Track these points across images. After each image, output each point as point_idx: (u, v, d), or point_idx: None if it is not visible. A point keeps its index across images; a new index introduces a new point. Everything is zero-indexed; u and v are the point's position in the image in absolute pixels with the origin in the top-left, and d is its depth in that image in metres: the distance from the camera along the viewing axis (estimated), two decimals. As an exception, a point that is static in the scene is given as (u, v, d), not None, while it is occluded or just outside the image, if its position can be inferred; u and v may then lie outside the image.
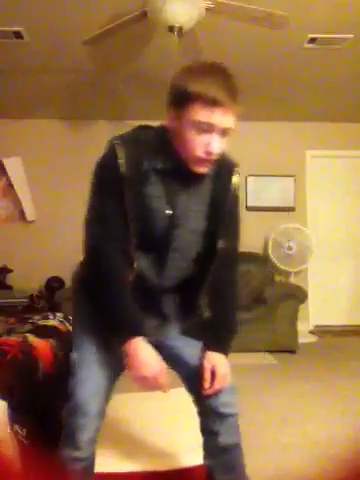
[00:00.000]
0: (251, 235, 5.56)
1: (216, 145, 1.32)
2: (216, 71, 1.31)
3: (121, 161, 1.34)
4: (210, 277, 1.50)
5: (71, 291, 1.66)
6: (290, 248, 5.29)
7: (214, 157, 1.35)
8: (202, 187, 1.46)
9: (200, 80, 1.28)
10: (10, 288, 5.17)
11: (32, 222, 5.52)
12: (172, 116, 1.34)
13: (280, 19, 3.09)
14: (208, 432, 1.53)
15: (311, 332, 5.44)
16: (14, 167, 5.45)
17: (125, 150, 1.35)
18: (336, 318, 5.76)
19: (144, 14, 3.06)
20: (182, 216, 1.42)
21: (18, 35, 3.57)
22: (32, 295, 4.99)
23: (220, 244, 1.47)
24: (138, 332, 1.34)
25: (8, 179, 5.47)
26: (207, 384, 1.44)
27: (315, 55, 3.98)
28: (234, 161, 1.56)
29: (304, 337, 5.01)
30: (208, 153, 1.32)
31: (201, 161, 1.34)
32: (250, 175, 5.61)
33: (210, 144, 1.31)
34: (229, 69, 1.34)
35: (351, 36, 3.62)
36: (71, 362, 1.48)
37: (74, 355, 1.48)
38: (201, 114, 1.27)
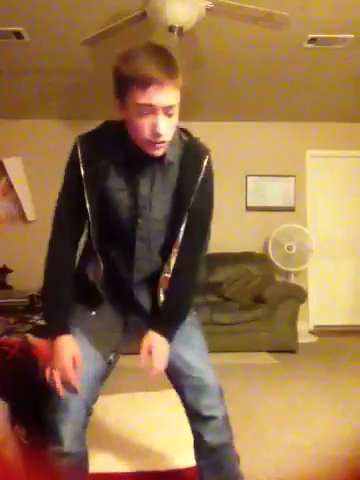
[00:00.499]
0: (251, 235, 5.57)
1: (162, 125, 1.30)
2: (148, 50, 1.29)
3: (80, 158, 1.41)
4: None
5: None
6: (290, 248, 5.29)
7: (164, 138, 1.33)
8: (168, 175, 1.44)
9: (132, 62, 1.26)
10: (10, 288, 5.17)
11: (32, 222, 5.52)
12: (117, 107, 1.34)
13: (280, 19, 3.09)
14: (195, 433, 1.53)
15: (311, 332, 5.45)
16: (14, 167, 5.45)
17: (85, 146, 1.42)
18: (336, 318, 5.76)
19: (144, 14, 3.06)
20: (146, 205, 1.42)
21: (18, 35, 3.57)
22: (32, 295, 4.99)
23: (182, 232, 1.44)
24: (63, 331, 1.41)
25: (8, 179, 5.47)
26: (141, 363, 1.41)
27: (315, 55, 3.98)
28: (205, 145, 1.51)
29: (304, 337, 5.01)
30: (155, 134, 1.30)
31: (152, 144, 1.33)
32: (250, 175, 5.61)
33: (156, 125, 1.29)
34: (164, 46, 1.32)
35: (351, 36, 3.62)
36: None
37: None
38: (139, 96, 1.25)
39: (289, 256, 5.30)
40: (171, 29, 3.00)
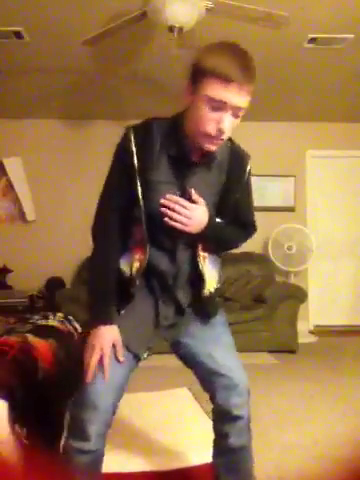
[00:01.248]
0: (251, 235, 5.56)
1: (227, 123, 1.33)
2: (234, 50, 1.34)
3: (133, 147, 1.40)
4: None
5: None
6: (290, 248, 5.29)
7: (224, 136, 1.36)
8: (213, 174, 1.49)
9: (217, 57, 1.31)
10: (10, 288, 5.17)
11: (32, 222, 5.52)
12: (188, 91, 1.37)
13: (280, 19, 3.09)
14: (219, 432, 1.54)
15: (311, 332, 5.45)
16: (14, 167, 5.44)
17: (138, 137, 1.41)
18: (336, 318, 5.76)
19: (144, 14, 3.06)
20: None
21: (18, 35, 3.57)
22: (32, 295, 4.99)
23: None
24: (107, 321, 1.42)
25: (8, 179, 5.47)
26: (169, 202, 1.40)
27: (315, 55, 3.98)
28: (246, 152, 1.59)
29: (304, 337, 5.01)
30: (219, 130, 1.33)
31: (211, 138, 1.36)
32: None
33: (222, 121, 1.32)
34: (248, 51, 1.35)
35: (351, 36, 3.62)
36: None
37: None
38: (216, 91, 1.29)
39: (289, 256, 5.30)
40: (171, 29, 3.00)
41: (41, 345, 2.03)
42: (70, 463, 1.40)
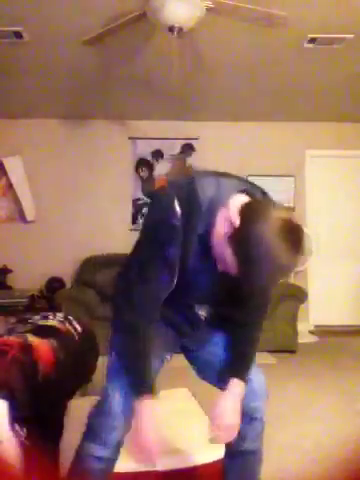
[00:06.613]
0: (251, 235, 5.56)
1: None
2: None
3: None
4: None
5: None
6: (290, 248, 5.29)
7: None
8: None
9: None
10: (10, 288, 5.17)
11: (32, 222, 5.51)
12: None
13: (280, 19, 3.09)
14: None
15: (311, 332, 5.44)
16: (14, 167, 5.45)
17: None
18: (336, 318, 5.76)
19: (144, 14, 3.06)
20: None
21: (18, 35, 3.57)
22: (32, 295, 4.99)
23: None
24: (151, 392, 1.35)
25: (8, 179, 5.47)
26: (212, 431, 1.44)
27: (315, 55, 3.98)
28: None
29: (304, 337, 5.01)
30: None
31: None
32: (250, 175, 5.59)
33: None
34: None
35: (351, 36, 3.62)
36: (108, 363, 1.48)
37: (112, 358, 1.47)
38: None
39: (289, 256, 5.29)
40: (171, 29, 3.00)
41: (41, 345, 2.03)
42: (81, 468, 1.40)
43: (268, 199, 1.35)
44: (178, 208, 1.26)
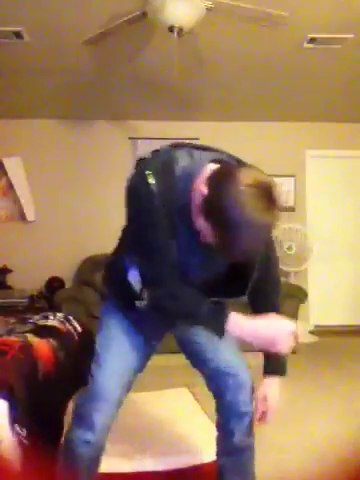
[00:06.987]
0: (251, 235, 5.56)
1: None
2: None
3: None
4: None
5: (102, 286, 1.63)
6: (290, 248, 5.29)
7: None
8: None
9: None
10: (10, 288, 5.17)
11: (32, 222, 5.51)
12: None
13: (280, 19, 3.10)
14: (224, 430, 1.55)
15: (311, 332, 5.44)
16: (14, 167, 5.44)
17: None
18: (336, 318, 5.76)
19: (144, 14, 3.06)
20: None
21: (18, 35, 3.57)
22: (32, 295, 5.00)
23: (253, 280, 1.41)
24: (225, 309, 1.30)
25: (8, 179, 5.46)
26: (257, 416, 1.48)
27: (315, 55, 3.98)
28: None
29: (304, 337, 5.01)
30: None
31: None
32: (250, 175, 5.61)
33: None
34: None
35: (351, 36, 3.62)
36: (95, 347, 1.50)
37: (98, 341, 1.50)
38: None
39: (289, 256, 5.30)
40: (171, 29, 3.00)
41: (41, 345, 2.03)
42: (70, 455, 1.41)
43: (241, 164, 1.30)
44: (152, 180, 1.24)
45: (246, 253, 1.19)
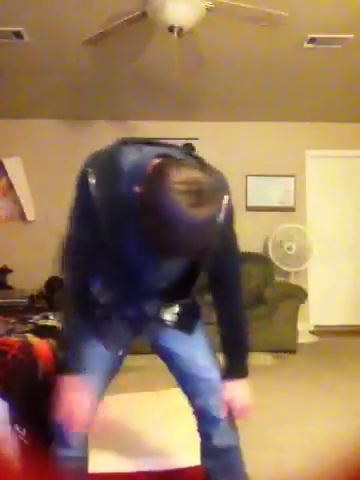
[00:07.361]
0: (251, 235, 5.56)
1: None
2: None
3: None
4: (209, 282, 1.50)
5: None
6: (290, 248, 5.29)
7: None
8: None
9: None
10: (10, 288, 5.17)
11: (32, 222, 5.52)
12: None
13: (280, 19, 3.10)
14: (203, 435, 1.53)
15: (311, 332, 5.44)
16: (14, 167, 5.45)
17: None
18: (336, 318, 5.76)
19: (144, 14, 3.06)
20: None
21: (18, 35, 3.57)
22: (32, 295, 4.99)
23: (209, 271, 1.45)
24: (78, 372, 1.35)
25: (8, 179, 5.47)
26: (235, 414, 1.48)
27: (315, 55, 3.98)
28: (223, 181, 1.46)
29: (304, 337, 5.01)
30: None
31: None
32: (250, 175, 5.61)
33: None
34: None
35: (351, 36, 3.62)
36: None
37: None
38: None
39: (289, 256, 5.30)
40: (171, 29, 3.00)
41: (41, 345, 2.03)
42: (57, 468, 1.43)
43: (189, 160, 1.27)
44: (92, 179, 1.33)
45: (183, 250, 1.15)
